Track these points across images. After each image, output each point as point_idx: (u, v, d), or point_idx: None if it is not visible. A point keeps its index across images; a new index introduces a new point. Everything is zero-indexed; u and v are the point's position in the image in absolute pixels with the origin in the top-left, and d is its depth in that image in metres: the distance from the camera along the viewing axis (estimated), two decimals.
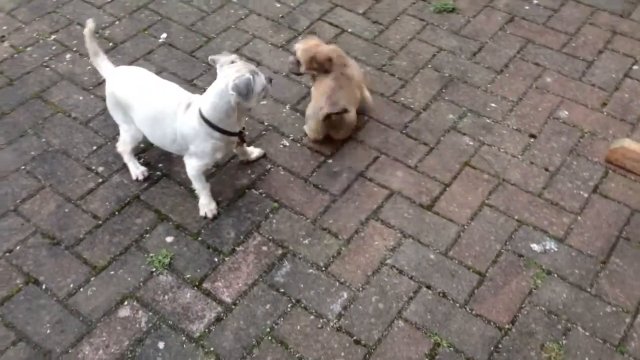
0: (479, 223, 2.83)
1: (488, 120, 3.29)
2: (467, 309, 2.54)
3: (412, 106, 3.37)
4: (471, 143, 3.18)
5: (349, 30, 3.85)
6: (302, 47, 3.11)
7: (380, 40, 3.78)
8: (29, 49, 3.68)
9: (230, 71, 2.54)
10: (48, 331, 2.47)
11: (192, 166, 2.77)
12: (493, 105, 3.38)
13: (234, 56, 2.63)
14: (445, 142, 3.19)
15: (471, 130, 3.24)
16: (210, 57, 2.67)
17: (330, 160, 3.13)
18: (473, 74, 3.55)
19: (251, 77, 2.49)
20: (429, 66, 3.60)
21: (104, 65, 2.91)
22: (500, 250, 2.74)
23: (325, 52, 3.08)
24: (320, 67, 3.06)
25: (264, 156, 3.11)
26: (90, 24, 2.84)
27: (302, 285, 2.62)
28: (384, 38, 3.80)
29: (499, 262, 2.69)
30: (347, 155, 3.15)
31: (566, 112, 3.33)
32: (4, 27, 3.78)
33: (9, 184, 2.97)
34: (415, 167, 3.08)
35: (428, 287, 2.61)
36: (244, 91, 2.49)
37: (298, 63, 3.12)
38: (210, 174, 3.02)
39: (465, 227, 2.82)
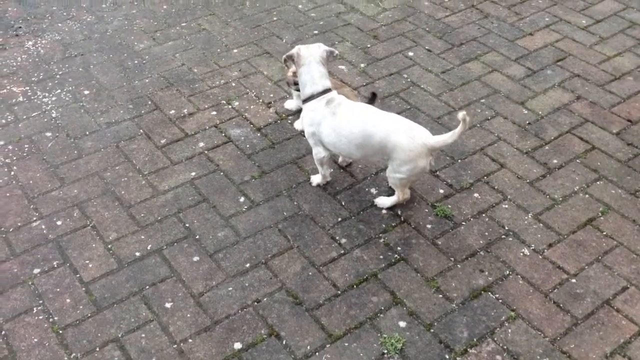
0: None
1: None
2: None
3: None
4: None
5: (601, 148, 3.75)
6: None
7: (635, 164, 3.63)
8: (290, 118, 4.05)
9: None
10: None
11: None
12: None
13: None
14: None
15: None
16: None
17: (573, 280, 3.01)
18: None
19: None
20: None
21: None
22: None
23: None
24: None
25: None
26: (462, 114, 2.86)
27: None
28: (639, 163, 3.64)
29: None
30: (592, 278, 3.01)
31: None
32: (271, 95, 4.20)
33: (263, 238, 3.23)
34: None
35: None
36: None
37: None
38: (446, 268, 3.05)
39: None
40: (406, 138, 3.03)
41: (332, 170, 3.50)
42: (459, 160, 3.69)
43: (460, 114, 2.86)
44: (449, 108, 4.09)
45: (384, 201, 3.39)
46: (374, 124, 3.08)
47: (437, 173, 3.61)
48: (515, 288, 2.98)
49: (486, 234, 3.25)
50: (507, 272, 3.06)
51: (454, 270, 3.07)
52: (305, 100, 3.26)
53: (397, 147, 3.05)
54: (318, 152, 3.32)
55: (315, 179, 3.50)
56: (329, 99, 3.18)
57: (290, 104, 4.06)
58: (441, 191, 3.50)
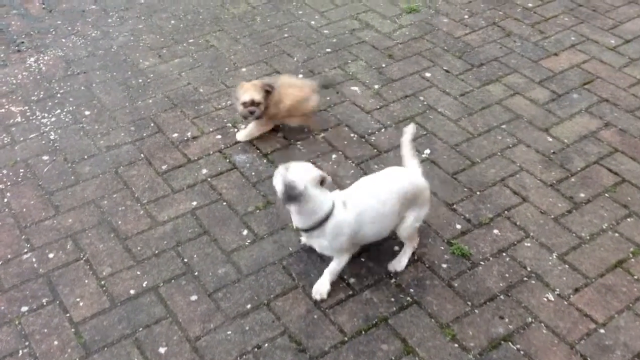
0: None
1: None
2: None
3: None
4: None
5: (632, 181, 3.49)
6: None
7: None
8: (298, 143, 3.83)
9: None
10: None
11: None
12: None
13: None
14: None
15: None
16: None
17: (602, 330, 2.76)
18: None
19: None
20: None
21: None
22: None
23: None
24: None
25: None
26: (410, 130, 2.87)
27: None
28: None
29: None
30: (622, 329, 2.76)
31: None
32: None
33: (266, 276, 3.02)
34: None
35: None
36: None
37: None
38: (463, 313, 2.81)
39: None
40: (420, 179, 2.97)
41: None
42: (478, 193, 3.45)
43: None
44: (468, 134, 3.86)
45: (402, 263, 3.03)
46: (395, 181, 2.86)
47: (454, 206, 3.37)
48: (538, 338, 2.73)
49: (506, 275, 3.01)
50: (530, 319, 2.82)
51: (471, 316, 2.83)
52: (319, 225, 2.72)
53: (422, 188, 2.94)
54: (345, 259, 2.90)
55: (324, 289, 2.95)
56: (342, 201, 2.77)
57: (241, 135, 3.81)
58: (458, 226, 3.26)
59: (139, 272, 3.02)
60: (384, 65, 4.48)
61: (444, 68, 4.44)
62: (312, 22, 4.97)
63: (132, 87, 4.27)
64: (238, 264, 3.07)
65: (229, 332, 2.77)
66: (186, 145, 3.77)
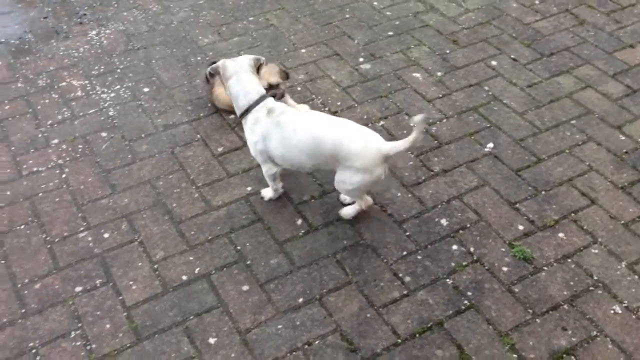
0: None
1: None
2: None
3: None
4: None
5: None
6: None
7: None
8: None
9: None
10: None
11: None
12: None
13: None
14: None
15: None
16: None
17: None
18: None
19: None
20: None
21: None
22: None
23: None
24: None
25: None
26: (419, 118, 2.69)
27: None
28: None
29: None
30: None
31: None
32: (338, 103, 3.89)
33: (319, 269, 2.95)
34: None
35: None
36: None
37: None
38: (524, 322, 2.69)
39: None
40: (360, 144, 2.77)
41: (282, 183, 3.24)
42: (543, 192, 3.29)
43: (417, 117, 2.66)
44: (534, 129, 3.68)
45: (347, 211, 3.14)
46: (325, 130, 2.82)
47: (517, 205, 3.22)
48: (603, 354, 2.60)
49: (571, 283, 2.87)
50: (594, 332, 2.67)
51: (532, 325, 2.71)
52: (242, 115, 2.96)
53: (350, 154, 2.77)
54: (269, 169, 3.07)
55: (267, 193, 3.25)
56: (269, 108, 2.90)
57: None
58: (520, 227, 3.12)
59: (191, 258, 3.00)
60: (447, 52, 4.30)
61: (512, 56, 4.24)
62: (375, 3, 4.81)
63: (191, 65, 4.22)
64: (291, 254, 3.01)
65: (280, 326, 2.72)
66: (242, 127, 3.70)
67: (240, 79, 2.92)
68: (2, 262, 2.98)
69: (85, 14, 4.74)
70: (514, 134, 3.65)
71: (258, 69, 3.02)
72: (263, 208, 3.24)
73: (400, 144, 2.79)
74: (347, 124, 2.88)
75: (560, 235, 3.08)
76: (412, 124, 2.72)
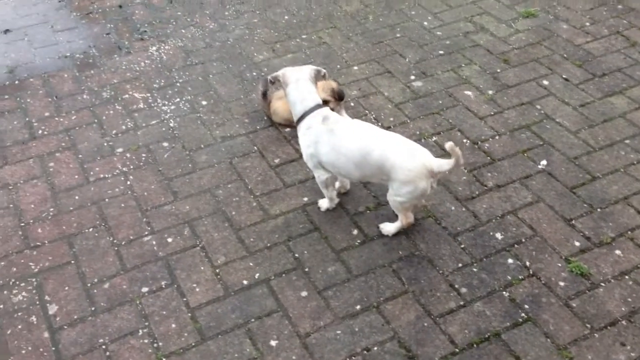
0: None
1: None
2: None
3: None
4: None
5: None
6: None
7: None
8: None
9: None
10: None
11: None
12: None
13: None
14: None
15: None
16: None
17: None
18: None
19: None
20: None
21: None
22: None
23: None
24: None
25: None
26: (449, 145, 2.79)
27: None
28: None
29: None
30: None
31: None
32: (391, 118, 3.97)
33: (376, 278, 3.01)
34: None
35: None
36: None
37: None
38: (582, 336, 2.70)
39: None
40: (405, 157, 2.85)
41: (336, 191, 3.32)
42: (599, 210, 3.30)
43: (448, 145, 2.77)
44: (588, 147, 3.70)
45: (388, 228, 3.20)
46: (373, 141, 2.92)
47: (573, 222, 3.24)
48: None
49: (629, 300, 2.87)
50: None
51: (590, 340, 2.72)
52: (298, 120, 3.07)
53: (395, 166, 2.85)
54: (320, 175, 3.16)
55: (323, 204, 3.32)
56: (325, 116, 3.00)
57: None
58: (577, 244, 3.14)
59: (251, 264, 3.09)
60: (498, 71, 4.36)
61: (563, 76, 4.28)
62: (425, 23, 4.91)
63: (247, 80, 4.36)
64: (348, 263, 3.08)
65: (339, 332, 2.78)
66: (298, 140, 3.81)
67: (299, 86, 3.04)
68: (72, 262, 3.11)
69: (145, 31, 4.93)
70: (568, 152, 3.68)
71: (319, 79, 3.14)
72: (320, 218, 3.32)
73: (445, 164, 2.87)
74: (396, 138, 2.96)
75: (617, 252, 3.09)
76: (447, 148, 2.79)
